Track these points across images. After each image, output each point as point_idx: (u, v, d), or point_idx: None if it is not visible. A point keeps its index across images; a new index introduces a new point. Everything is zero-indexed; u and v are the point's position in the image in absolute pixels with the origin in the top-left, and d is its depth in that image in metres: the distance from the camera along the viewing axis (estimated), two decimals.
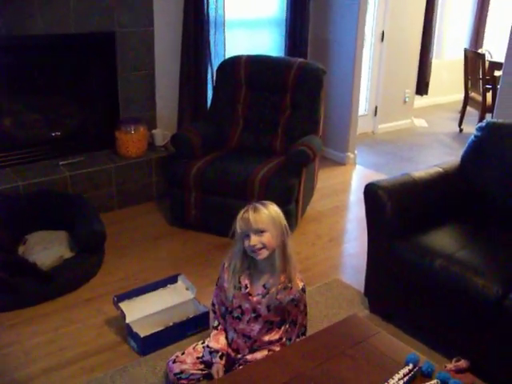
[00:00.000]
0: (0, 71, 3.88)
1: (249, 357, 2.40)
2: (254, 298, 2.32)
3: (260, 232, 2.18)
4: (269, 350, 2.40)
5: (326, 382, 1.89)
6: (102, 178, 4.08)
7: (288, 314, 2.38)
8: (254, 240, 2.18)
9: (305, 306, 2.42)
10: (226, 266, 2.38)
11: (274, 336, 2.40)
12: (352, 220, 4.33)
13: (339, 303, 3.13)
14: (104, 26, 4.07)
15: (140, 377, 2.52)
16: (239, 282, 2.33)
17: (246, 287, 2.32)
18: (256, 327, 2.37)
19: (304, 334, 2.43)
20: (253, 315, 2.35)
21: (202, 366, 2.44)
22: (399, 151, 5.89)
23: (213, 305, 2.52)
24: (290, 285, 2.31)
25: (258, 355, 2.39)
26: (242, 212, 2.21)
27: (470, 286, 2.45)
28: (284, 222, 2.25)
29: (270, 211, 2.21)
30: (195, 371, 2.43)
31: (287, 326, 2.42)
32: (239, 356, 2.43)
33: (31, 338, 2.79)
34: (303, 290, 2.37)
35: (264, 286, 2.31)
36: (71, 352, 2.70)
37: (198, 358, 2.44)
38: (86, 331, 2.86)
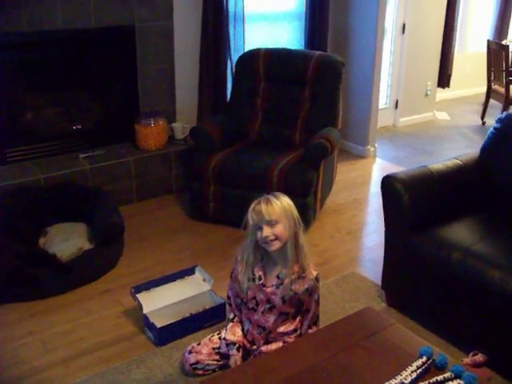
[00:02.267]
0: (22, 66, 3.93)
1: (264, 348, 2.42)
2: (268, 289, 2.33)
3: (272, 223, 2.18)
4: (284, 342, 2.41)
5: (339, 373, 1.88)
6: (122, 171, 4.12)
7: (302, 303, 2.39)
8: (267, 231, 2.19)
9: (318, 295, 2.42)
10: (239, 258, 2.39)
11: (288, 327, 2.41)
12: (371, 213, 4.31)
13: (356, 296, 3.12)
14: (124, 20, 4.09)
15: (156, 367, 2.54)
16: (253, 274, 2.34)
17: (260, 278, 2.34)
18: (271, 318, 2.38)
19: (316, 323, 2.44)
20: (267, 306, 2.36)
21: (217, 357, 2.46)
22: (420, 144, 5.83)
23: (228, 297, 2.54)
24: (303, 274, 2.32)
25: (273, 346, 2.40)
26: (254, 204, 2.22)
27: (487, 279, 2.43)
28: (296, 213, 2.25)
29: (282, 203, 2.21)
30: (211, 362, 2.46)
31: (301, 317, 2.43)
32: (254, 347, 2.45)
33: (50, 328, 2.83)
34: (317, 278, 2.37)
35: (278, 276, 2.32)
36: (89, 342, 2.73)
37: (213, 348, 2.47)
38: (103, 322, 2.89)
